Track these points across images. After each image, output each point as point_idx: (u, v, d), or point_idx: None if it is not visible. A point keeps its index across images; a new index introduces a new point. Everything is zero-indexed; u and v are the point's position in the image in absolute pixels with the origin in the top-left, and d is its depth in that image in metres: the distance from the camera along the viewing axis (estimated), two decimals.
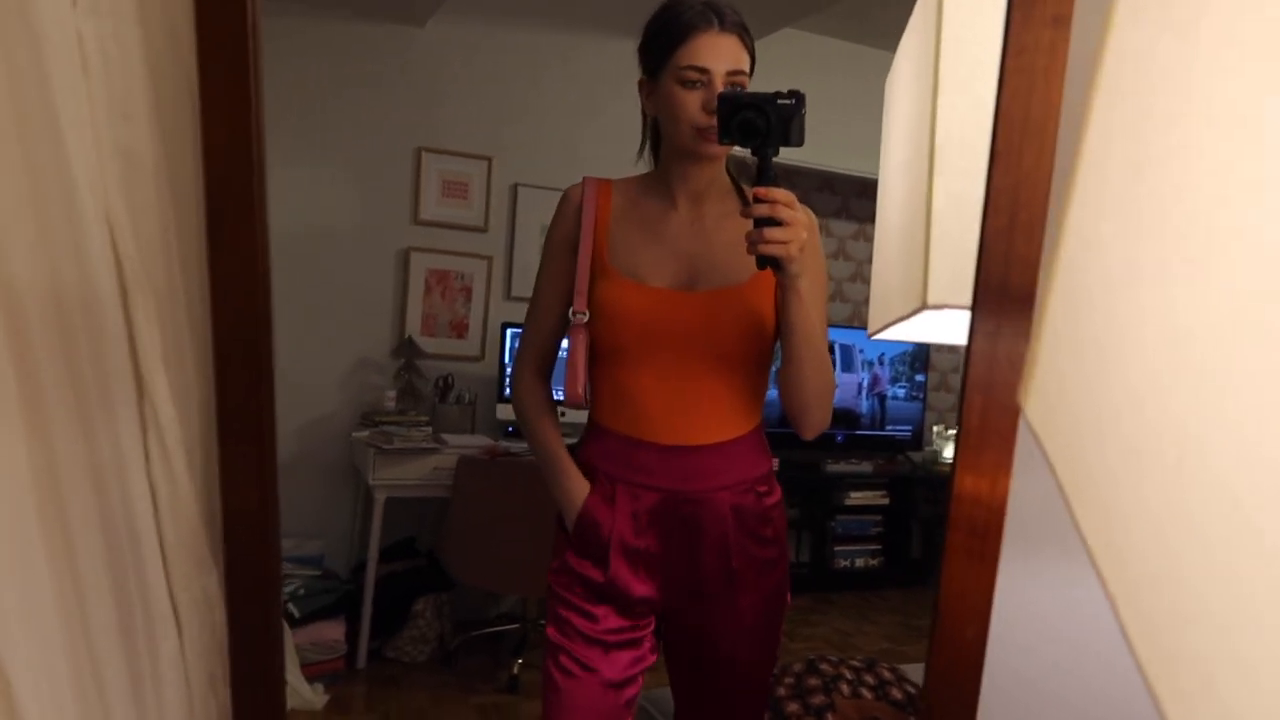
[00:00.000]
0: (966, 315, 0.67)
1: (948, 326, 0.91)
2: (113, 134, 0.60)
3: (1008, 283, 0.56)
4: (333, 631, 3.19)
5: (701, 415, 1.32)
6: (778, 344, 1.35)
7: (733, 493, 1.33)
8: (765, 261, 1.17)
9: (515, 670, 3.24)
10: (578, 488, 1.35)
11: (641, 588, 1.34)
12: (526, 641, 3.45)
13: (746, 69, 1.28)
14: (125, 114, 0.61)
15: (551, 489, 1.39)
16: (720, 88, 1.24)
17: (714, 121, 1.22)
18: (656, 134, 1.39)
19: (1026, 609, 0.80)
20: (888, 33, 1.06)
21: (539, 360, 1.45)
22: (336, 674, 3.19)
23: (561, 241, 1.39)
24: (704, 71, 1.24)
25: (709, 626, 1.36)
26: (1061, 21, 0.53)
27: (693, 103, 1.25)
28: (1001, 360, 0.57)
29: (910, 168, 0.80)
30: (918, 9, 0.83)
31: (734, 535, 1.33)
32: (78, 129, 0.57)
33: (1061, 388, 0.42)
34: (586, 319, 1.35)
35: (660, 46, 1.28)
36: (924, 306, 0.71)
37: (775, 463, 1.44)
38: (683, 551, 1.33)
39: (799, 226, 1.14)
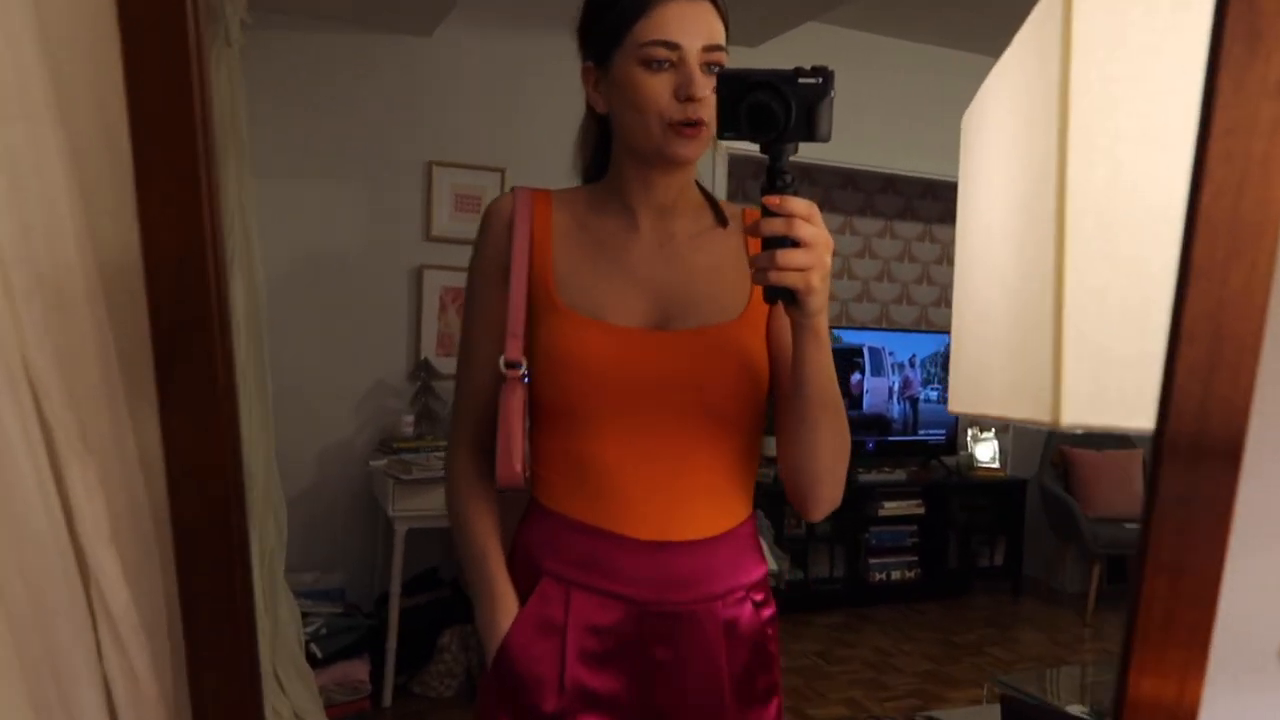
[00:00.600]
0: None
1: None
2: (23, 273, 0.47)
3: (1205, 433, 0.42)
4: (357, 671, 3.09)
5: (689, 497, 1.01)
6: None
7: (728, 604, 1.02)
8: (776, 294, 0.87)
9: None
10: (505, 613, 1.02)
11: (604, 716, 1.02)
12: None
13: (723, 42, 1.00)
14: (49, 239, 0.48)
15: (475, 609, 1.06)
16: (695, 68, 0.97)
17: (690, 112, 0.97)
18: (605, 136, 1.09)
19: None
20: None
21: (477, 430, 1.09)
22: (362, 714, 3.08)
23: (489, 270, 1.07)
24: (674, 47, 0.96)
25: None
26: None
27: (661, 89, 0.97)
28: (1198, 533, 0.43)
29: (1021, 246, 0.65)
30: (1030, 25, 0.69)
31: (729, 664, 1.02)
32: None
33: None
34: (523, 371, 1.03)
35: (612, 21, 0.99)
36: (1057, 425, 0.57)
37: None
38: (661, 692, 1.01)
39: (821, 248, 0.85)
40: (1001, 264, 0.72)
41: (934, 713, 1.30)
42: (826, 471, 1.00)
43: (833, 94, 0.86)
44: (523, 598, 1.02)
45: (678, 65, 0.97)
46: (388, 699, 3.19)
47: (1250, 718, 0.54)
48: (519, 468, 1.01)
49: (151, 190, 0.47)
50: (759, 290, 0.92)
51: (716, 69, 0.97)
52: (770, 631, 1.06)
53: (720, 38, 0.99)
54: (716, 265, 1.06)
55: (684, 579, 0.99)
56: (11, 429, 0.46)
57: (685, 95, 0.96)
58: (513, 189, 1.10)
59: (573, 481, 1.02)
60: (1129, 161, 0.55)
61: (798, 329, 0.92)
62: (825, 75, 0.85)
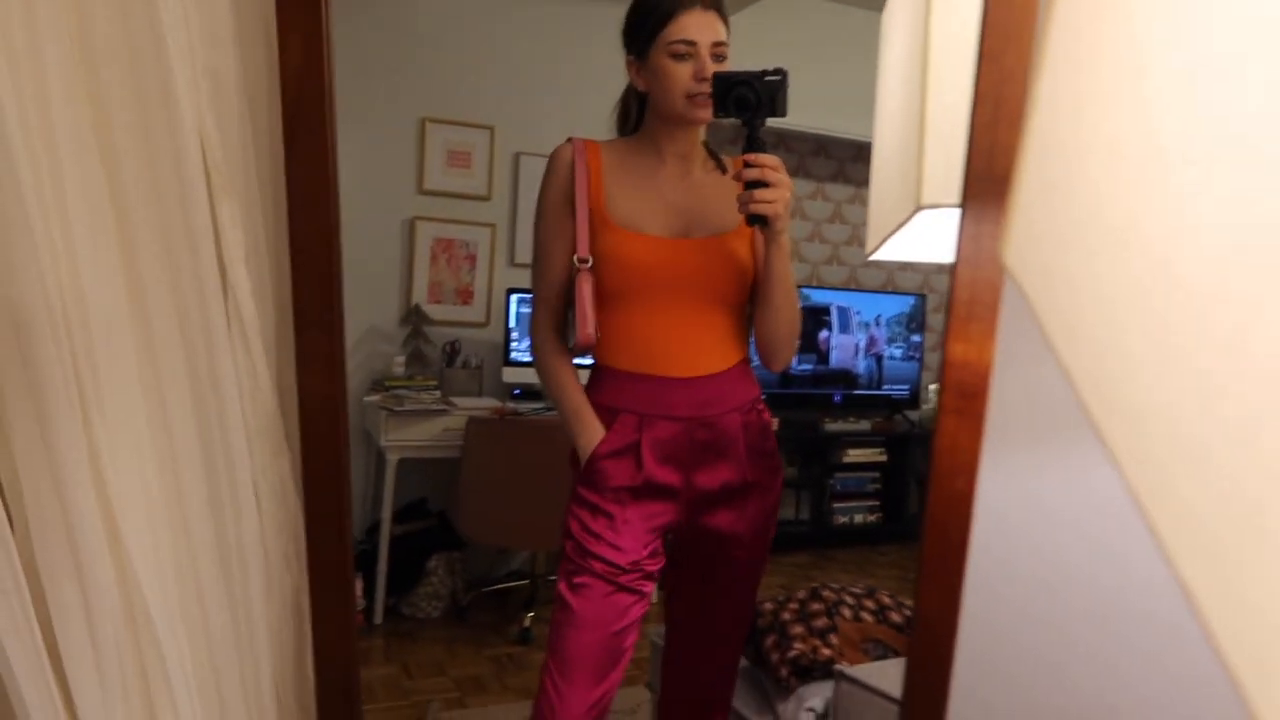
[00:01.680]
0: (958, 215, 0.76)
1: (940, 244, 0.99)
2: (203, 56, 0.68)
3: (992, 167, 0.64)
4: None
5: (706, 347, 1.46)
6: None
7: (741, 413, 1.47)
8: (755, 219, 1.33)
9: (526, 623, 3.35)
10: (596, 436, 1.46)
11: (663, 499, 1.46)
12: (536, 596, 3.55)
13: (726, 40, 1.42)
14: (213, 39, 0.69)
15: (572, 437, 1.49)
16: (707, 58, 1.39)
17: (703, 88, 1.37)
18: (641, 106, 1.52)
19: (1012, 503, 0.89)
20: None
21: (554, 315, 1.54)
22: (356, 629, 3.28)
23: (557, 198, 1.49)
24: (692, 44, 1.38)
25: (724, 528, 1.49)
26: None
27: (684, 73, 1.39)
28: (987, 238, 0.65)
29: (905, 89, 0.88)
30: None
31: (748, 451, 1.47)
32: (179, 52, 0.65)
33: (1036, 234, 0.50)
34: (590, 264, 1.45)
35: (649, 25, 1.42)
36: (919, 207, 0.79)
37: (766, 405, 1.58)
38: (704, 471, 1.46)
39: (785, 188, 1.30)
40: (893, 111, 0.94)
41: (847, 668, 1.56)
42: (787, 337, 1.49)
43: (788, 86, 1.29)
44: (607, 429, 1.45)
45: (695, 56, 1.38)
46: (379, 617, 3.39)
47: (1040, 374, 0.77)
48: (591, 331, 1.45)
49: (289, 13, 0.68)
50: (745, 216, 1.35)
51: (722, 58, 1.40)
52: (769, 427, 1.53)
53: (724, 36, 1.41)
54: (719, 195, 1.47)
55: (710, 399, 1.45)
56: (193, 169, 0.68)
57: (700, 76, 1.38)
58: (569, 139, 1.51)
59: (628, 344, 1.46)
60: (972, 17, 0.78)
61: (768, 243, 1.39)
62: (783, 73, 1.29)
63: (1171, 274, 0.33)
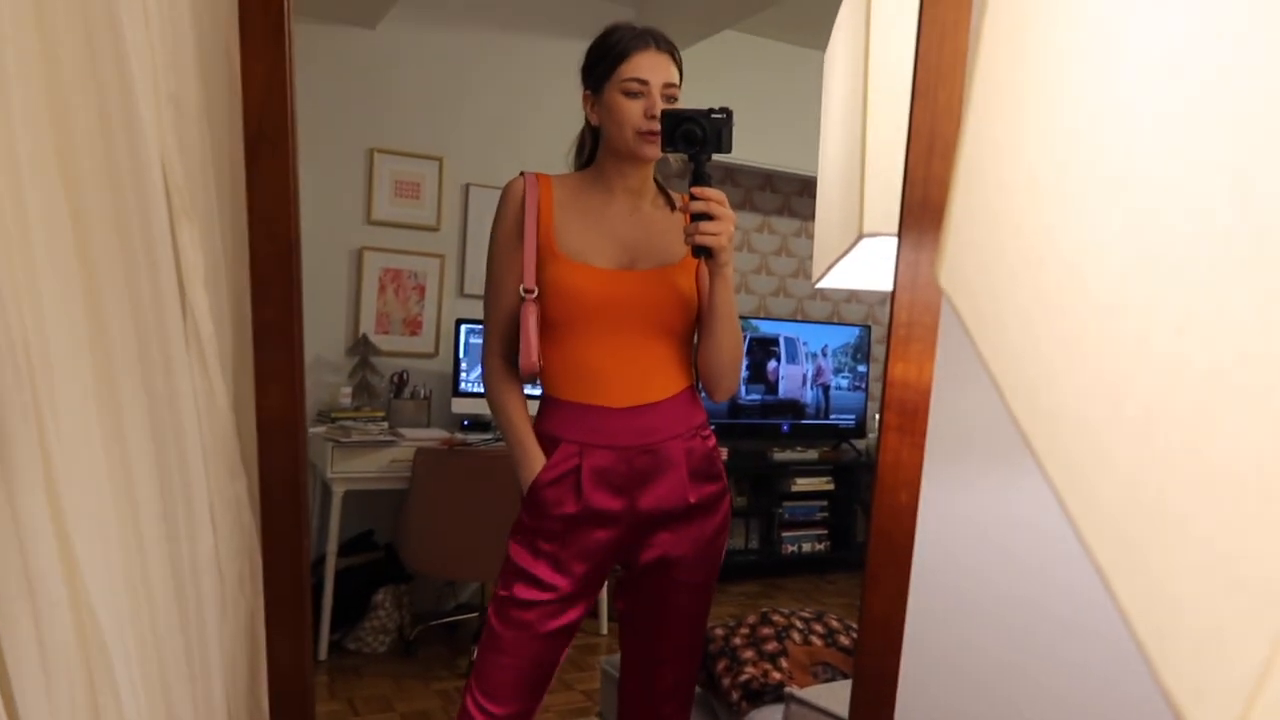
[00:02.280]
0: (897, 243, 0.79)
1: (882, 272, 1.03)
2: (166, 81, 0.70)
3: (927, 197, 0.68)
4: None
5: (649, 376, 1.49)
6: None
7: (683, 439, 1.50)
8: (700, 251, 1.38)
9: (474, 657, 3.31)
10: (537, 466, 1.49)
11: (606, 526, 1.49)
12: (484, 627, 3.52)
13: (677, 82, 1.49)
14: (176, 64, 0.70)
15: (515, 466, 1.52)
16: (657, 97, 1.45)
17: (653, 125, 1.43)
18: (595, 142, 1.57)
19: (952, 517, 0.93)
20: (824, 35, 1.20)
21: (504, 344, 1.57)
22: (312, 651, 3.22)
23: (509, 230, 1.53)
24: (644, 83, 1.45)
25: (669, 552, 1.52)
26: None
27: (635, 110, 1.45)
28: (924, 264, 0.69)
29: (847, 124, 0.92)
30: None
31: (690, 475, 1.50)
32: (143, 77, 0.66)
33: (967, 257, 0.54)
34: (536, 295, 1.49)
35: (605, 64, 1.48)
36: (861, 236, 0.83)
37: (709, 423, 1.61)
38: (646, 495, 1.49)
39: (729, 221, 1.35)
40: (836, 146, 0.99)
41: (797, 690, 1.59)
42: (730, 367, 1.53)
43: (732, 124, 1.37)
44: (548, 458, 1.48)
45: (646, 95, 1.45)
46: (323, 653, 3.33)
47: (979, 420, 0.81)
48: (535, 359, 1.49)
49: (252, 37, 0.70)
50: (690, 248, 1.40)
51: (673, 99, 1.46)
52: (715, 455, 1.55)
53: (674, 78, 1.48)
54: (666, 230, 1.53)
55: (652, 427, 1.48)
56: (154, 194, 0.69)
57: (650, 114, 1.44)
58: (521, 173, 1.55)
59: (572, 375, 1.49)
60: (905, 60, 0.82)
61: (712, 275, 1.43)
62: (727, 112, 1.36)
63: (1080, 287, 0.36)
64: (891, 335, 0.71)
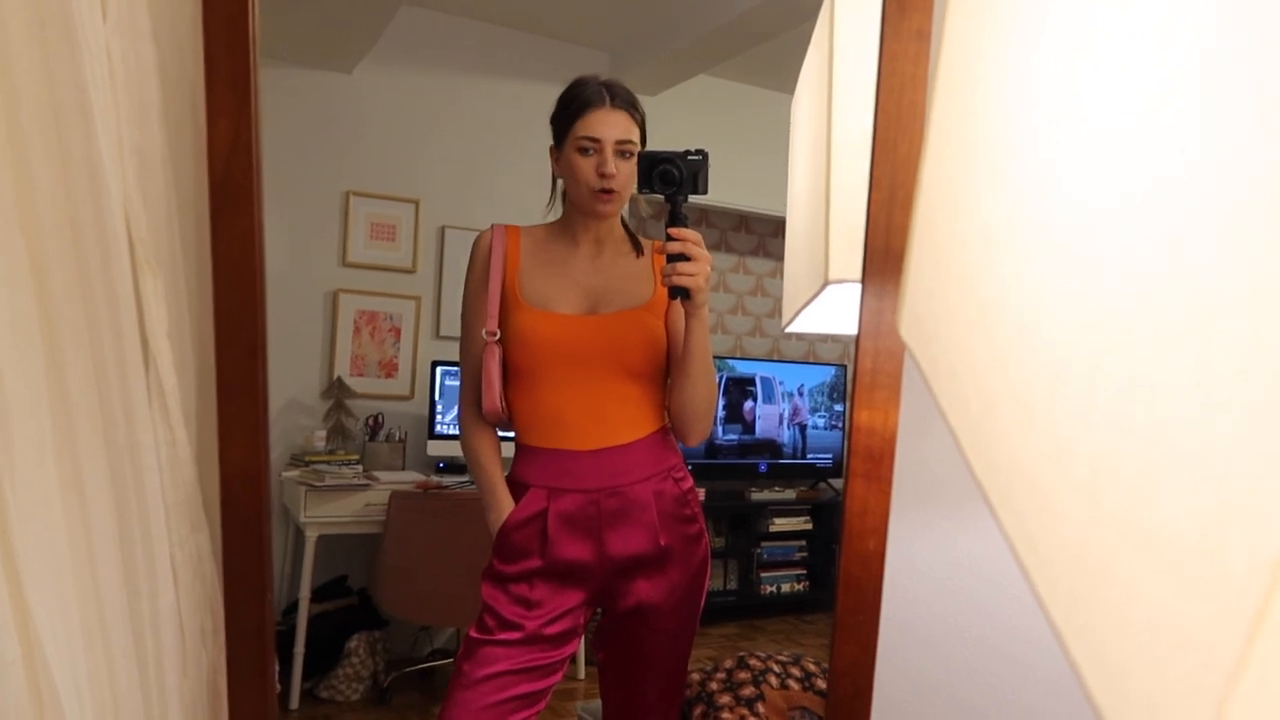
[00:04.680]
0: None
1: (850, 317, 1.04)
2: (131, 135, 0.70)
3: (889, 246, 0.69)
4: None
5: (616, 419, 1.49)
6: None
7: (653, 481, 1.50)
8: (677, 291, 1.38)
9: None
10: (504, 507, 1.49)
11: (576, 570, 1.48)
12: (454, 670, 3.47)
13: (635, 139, 1.49)
14: (141, 117, 0.70)
15: (487, 509, 1.53)
16: (610, 155, 1.46)
17: (606, 184, 1.46)
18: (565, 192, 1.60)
19: (920, 562, 0.93)
20: (796, 79, 1.22)
21: (477, 391, 1.57)
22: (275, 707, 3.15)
23: (478, 280, 1.55)
24: (596, 141, 1.46)
25: (645, 599, 1.50)
26: (923, 35, 0.67)
27: (588, 167, 1.47)
28: (887, 311, 0.70)
29: (812, 171, 0.93)
30: (814, 39, 0.98)
31: (660, 517, 1.49)
32: (106, 130, 0.66)
33: (925, 310, 0.54)
34: (498, 338, 1.51)
35: (563, 120, 1.51)
36: (827, 282, 0.84)
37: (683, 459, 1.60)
38: (615, 537, 1.48)
39: (705, 262, 1.36)
40: (801, 193, 1.00)
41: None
42: (704, 410, 1.51)
43: (708, 166, 1.38)
44: (517, 503, 1.48)
45: (599, 152, 1.46)
46: (295, 702, 3.27)
47: (941, 470, 0.81)
48: (498, 403, 1.50)
49: (217, 92, 0.71)
50: (661, 287, 1.42)
51: (629, 155, 1.47)
52: (690, 497, 1.53)
53: (631, 135, 1.48)
54: (631, 273, 1.54)
55: (618, 469, 1.47)
56: (118, 245, 0.68)
57: (601, 173, 1.46)
58: (492, 225, 1.58)
59: (538, 420, 1.49)
60: (867, 110, 0.83)
61: (689, 316, 1.42)
62: (704, 154, 1.38)
63: (1030, 346, 0.36)
64: (856, 382, 0.71)
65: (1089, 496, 0.31)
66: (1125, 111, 0.32)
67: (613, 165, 1.46)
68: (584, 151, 1.47)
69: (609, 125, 1.46)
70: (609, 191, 1.47)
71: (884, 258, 0.69)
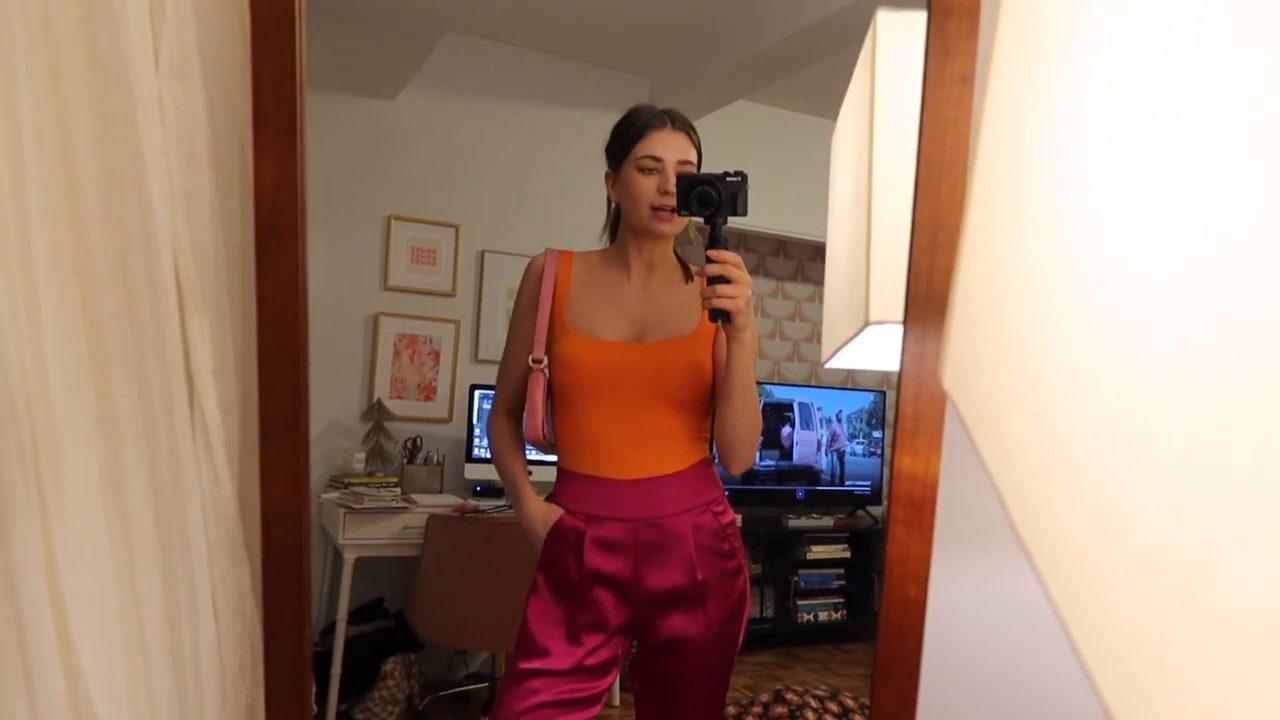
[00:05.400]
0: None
1: (890, 354, 1.03)
2: (180, 177, 0.71)
3: (931, 290, 0.68)
4: None
5: (658, 449, 1.49)
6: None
7: (692, 514, 1.49)
8: (717, 315, 1.37)
9: None
10: (534, 507, 1.53)
11: (612, 592, 1.48)
12: (495, 700, 3.46)
13: (694, 160, 1.52)
14: (190, 161, 0.72)
15: (516, 513, 1.55)
16: (672, 175, 1.47)
17: (667, 201, 1.47)
18: (618, 217, 1.61)
19: (962, 605, 0.91)
20: (835, 104, 1.21)
21: (507, 404, 1.63)
22: None
23: (526, 303, 1.57)
24: (658, 160, 1.48)
25: (681, 633, 1.49)
26: (966, 80, 0.67)
27: (649, 186, 1.49)
28: (929, 356, 0.69)
29: (853, 209, 0.93)
30: (856, 76, 0.97)
31: (697, 550, 1.48)
32: (157, 174, 0.68)
33: (969, 361, 0.53)
34: (544, 365, 1.53)
35: (624, 142, 1.53)
36: (867, 323, 0.83)
37: (724, 491, 1.59)
38: (652, 570, 1.47)
39: (746, 285, 1.35)
40: (842, 230, 0.99)
41: None
42: (746, 436, 1.50)
43: (747, 186, 1.38)
44: (556, 526, 1.49)
45: (661, 171, 1.48)
46: None
47: (983, 511, 0.80)
48: (540, 427, 1.53)
49: (265, 137, 0.72)
50: (706, 317, 1.41)
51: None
52: (729, 531, 1.52)
53: (690, 156, 1.51)
54: (679, 302, 1.54)
55: (658, 501, 1.47)
56: (166, 286, 0.70)
57: (663, 190, 1.48)
58: (545, 250, 1.60)
59: (579, 446, 1.50)
60: (910, 149, 0.83)
61: (730, 340, 1.41)
62: (742, 175, 1.37)
63: (1079, 408, 0.36)
64: (898, 428, 0.71)
65: (1143, 573, 0.30)
66: (1181, 170, 0.31)
67: (674, 183, 1.47)
68: (645, 171, 1.49)
69: (670, 146, 1.49)
70: (669, 210, 1.48)
71: (926, 302, 0.68)
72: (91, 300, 0.68)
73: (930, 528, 0.71)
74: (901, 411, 0.70)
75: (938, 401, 0.69)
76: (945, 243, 0.67)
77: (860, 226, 0.86)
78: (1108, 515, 0.33)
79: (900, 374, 0.71)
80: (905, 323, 0.70)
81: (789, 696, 1.87)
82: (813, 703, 1.86)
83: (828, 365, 1.16)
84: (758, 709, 1.82)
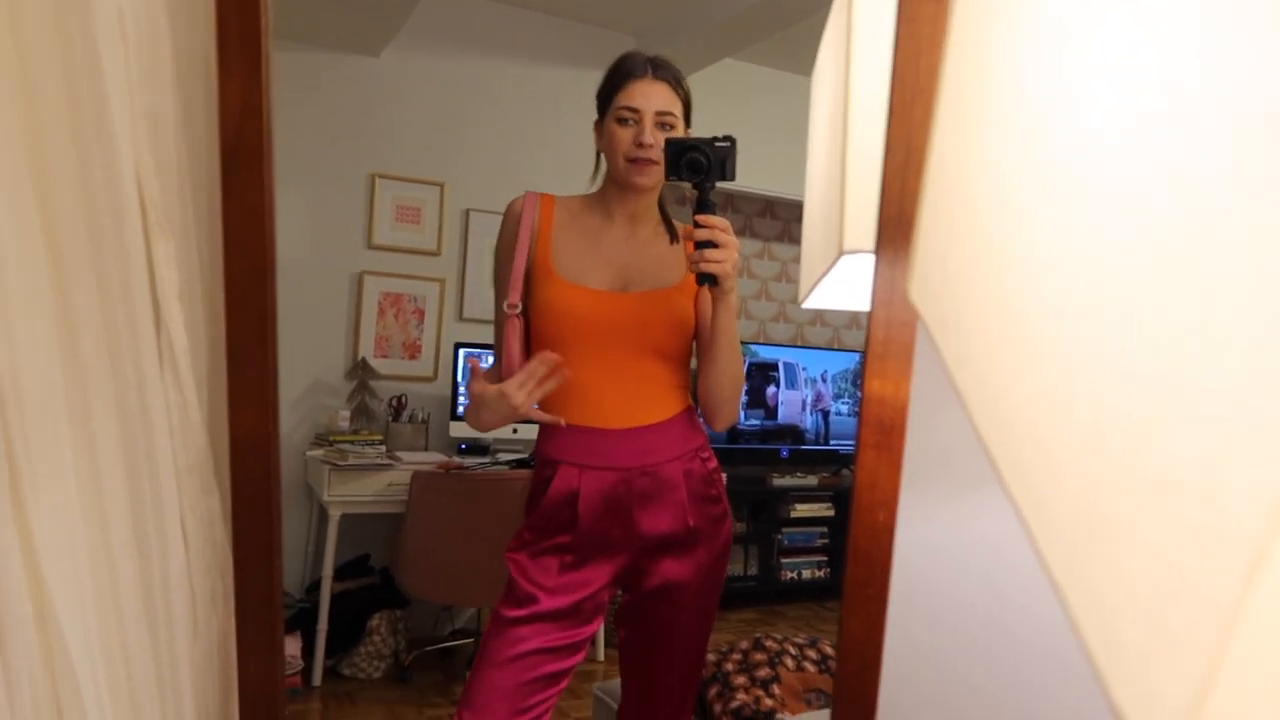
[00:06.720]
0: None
1: (865, 292, 1.03)
2: (143, 97, 0.70)
3: (903, 212, 0.68)
4: (289, 647, 3.21)
5: (645, 399, 1.49)
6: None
7: (682, 461, 1.49)
8: (704, 278, 1.38)
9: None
10: (484, 385, 1.41)
11: (606, 540, 1.47)
12: (480, 650, 3.49)
13: (676, 111, 1.49)
14: (153, 80, 0.70)
15: (480, 400, 1.43)
16: (649, 126, 1.45)
17: (643, 153, 1.45)
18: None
19: (930, 543, 0.92)
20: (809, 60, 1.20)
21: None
22: (293, 690, 3.20)
23: (507, 246, 1.54)
24: (635, 111, 1.46)
25: (673, 578, 1.50)
26: None
27: (626, 137, 1.47)
28: (900, 280, 0.69)
29: (829, 141, 0.92)
30: (833, 7, 0.96)
31: (688, 496, 1.49)
32: (118, 92, 0.66)
33: (935, 266, 0.53)
34: (519, 310, 1.50)
35: (607, 91, 1.51)
36: (842, 252, 0.83)
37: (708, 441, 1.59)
38: (645, 516, 1.47)
39: (733, 248, 1.36)
40: (819, 164, 0.99)
41: (789, 717, 1.57)
42: (730, 394, 1.52)
43: (736, 152, 1.37)
44: (547, 481, 1.47)
45: (638, 123, 1.46)
46: (317, 679, 3.30)
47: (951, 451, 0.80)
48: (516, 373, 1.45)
49: (229, 53, 0.70)
50: (690, 273, 1.41)
51: (670, 128, 1.47)
52: (715, 476, 1.54)
53: (672, 107, 1.48)
54: (663, 255, 1.54)
55: (648, 449, 1.47)
56: (129, 208, 0.69)
57: (638, 142, 1.46)
58: (525, 192, 1.56)
59: (568, 397, 1.46)
60: (885, 77, 0.82)
61: (716, 302, 1.43)
62: (731, 140, 1.37)
63: (1036, 295, 0.35)
64: (868, 351, 0.70)
65: (1091, 443, 0.30)
66: (1136, 40, 0.31)
67: (650, 135, 1.45)
68: (623, 122, 1.47)
69: (649, 95, 1.47)
70: (647, 161, 1.46)
71: (898, 224, 0.68)
72: (52, 223, 0.67)
73: (899, 452, 0.71)
74: (872, 335, 0.70)
75: (908, 326, 0.69)
76: (917, 165, 0.67)
77: (836, 156, 0.86)
78: (1058, 389, 0.32)
79: (872, 299, 0.71)
80: (878, 248, 0.70)
81: (768, 644, 1.89)
82: (792, 650, 1.88)
83: (805, 306, 1.16)
84: (737, 656, 1.84)
